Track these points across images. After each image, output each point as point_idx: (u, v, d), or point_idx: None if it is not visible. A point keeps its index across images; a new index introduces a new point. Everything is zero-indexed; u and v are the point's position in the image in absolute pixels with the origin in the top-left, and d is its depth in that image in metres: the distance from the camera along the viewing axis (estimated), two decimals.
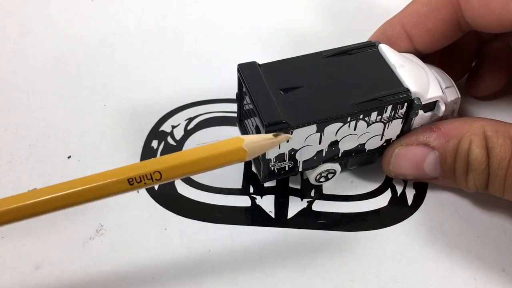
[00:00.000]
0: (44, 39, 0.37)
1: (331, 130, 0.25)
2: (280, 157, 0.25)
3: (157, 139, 0.31)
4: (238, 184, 0.29)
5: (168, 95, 0.34)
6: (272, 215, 0.28)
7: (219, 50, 0.37)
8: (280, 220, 0.28)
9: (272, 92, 0.25)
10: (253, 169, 0.29)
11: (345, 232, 0.28)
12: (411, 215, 0.29)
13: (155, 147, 0.31)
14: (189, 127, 0.32)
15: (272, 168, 0.26)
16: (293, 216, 0.28)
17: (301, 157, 0.26)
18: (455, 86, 0.28)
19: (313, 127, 0.24)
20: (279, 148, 0.25)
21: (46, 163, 0.30)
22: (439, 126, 0.26)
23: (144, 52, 0.37)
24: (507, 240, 0.28)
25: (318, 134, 0.25)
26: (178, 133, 0.32)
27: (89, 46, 0.37)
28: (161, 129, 0.32)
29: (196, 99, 0.34)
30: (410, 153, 0.27)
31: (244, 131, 0.28)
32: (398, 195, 0.29)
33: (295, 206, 0.29)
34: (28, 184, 0.29)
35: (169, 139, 0.32)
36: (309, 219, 0.28)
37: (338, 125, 0.25)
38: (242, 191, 0.29)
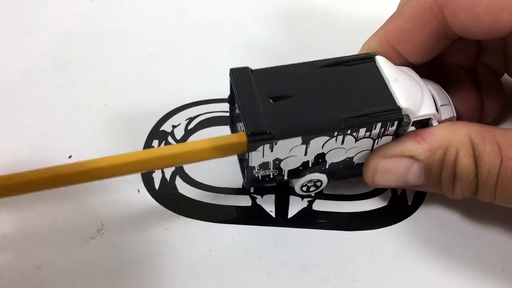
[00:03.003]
0: (44, 39, 0.37)
1: (317, 143, 0.24)
2: (264, 165, 0.25)
3: (158, 139, 0.32)
4: (238, 183, 0.29)
5: (168, 95, 0.34)
6: (273, 214, 0.28)
7: (219, 50, 0.37)
8: (281, 219, 0.28)
9: (261, 100, 0.24)
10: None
11: (345, 232, 0.28)
12: (411, 214, 0.29)
13: (155, 147, 0.31)
14: (189, 127, 0.32)
15: (256, 175, 0.26)
16: (293, 216, 0.28)
17: (286, 166, 0.25)
18: (452, 105, 0.27)
19: (298, 139, 0.24)
20: (263, 156, 0.24)
21: (46, 163, 0.30)
22: (423, 136, 0.25)
23: (144, 52, 0.37)
24: (507, 239, 0.28)
25: (304, 146, 0.24)
26: (179, 133, 0.32)
27: (89, 46, 0.37)
28: (161, 129, 0.32)
29: (196, 99, 0.34)
30: (394, 166, 0.26)
31: (235, 131, 0.28)
32: (398, 194, 0.29)
33: (295, 205, 0.29)
34: None
35: (170, 139, 0.32)
36: (309, 219, 0.28)
37: (324, 138, 0.24)
38: (243, 191, 0.29)
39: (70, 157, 0.30)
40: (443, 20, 0.25)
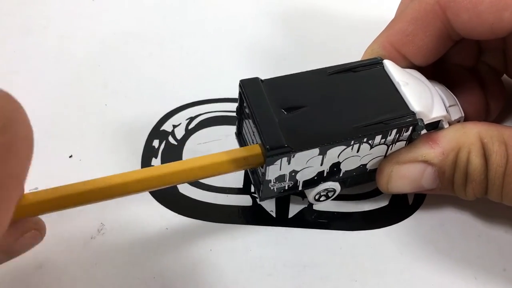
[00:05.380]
0: (44, 39, 0.37)
1: (333, 153, 0.24)
2: (280, 178, 0.25)
3: (158, 139, 0.31)
4: (239, 183, 0.29)
5: (168, 94, 0.34)
6: (273, 214, 0.28)
7: (219, 50, 0.37)
8: (281, 219, 0.28)
9: (275, 111, 0.24)
10: (252, 187, 0.29)
11: (346, 232, 0.28)
12: (411, 214, 0.29)
13: (156, 147, 0.31)
14: (190, 127, 0.32)
15: (272, 188, 0.25)
16: (294, 216, 0.28)
17: (301, 177, 0.25)
18: (459, 105, 0.28)
19: (316, 150, 0.24)
20: (280, 170, 0.24)
21: (47, 163, 0.30)
22: (435, 140, 0.25)
23: (144, 52, 0.37)
24: (508, 239, 0.28)
25: (320, 156, 0.24)
26: (179, 133, 0.32)
27: (89, 46, 0.37)
28: (162, 128, 0.32)
29: (196, 99, 0.34)
30: (408, 172, 0.26)
31: (243, 144, 0.27)
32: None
33: (296, 205, 0.29)
34: (29, 184, 0.29)
35: (170, 139, 0.32)
36: (310, 219, 0.28)
37: (341, 148, 0.24)
38: (243, 191, 0.29)
39: (70, 156, 0.30)
40: (446, 21, 0.25)
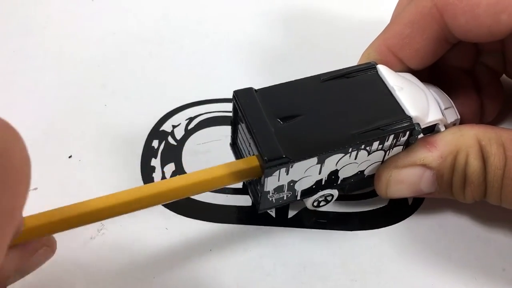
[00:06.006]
0: (44, 39, 0.37)
1: (331, 161, 0.24)
2: (279, 189, 0.24)
3: (158, 139, 0.32)
4: (238, 183, 0.29)
5: (168, 95, 0.34)
6: (273, 214, 0.28)
7: (219, 50, 0.37)
8: (281, 219, 0.28)
9: (270, 121, 0.24)
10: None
11: (345, 232, 0.28)
12: (411, 214, 0.29)
13: (155, 147, 0.31)
14: (189, 127, 0.32)
15: (270, 199, 0.25)
16: (293, 216, 0.28)
17: (300, 186, 0.25)
18: (455, 107, 0.27)
19: (314, 160, 0.23)
20: (278, 180, 0.24)
21: (47, 163, 0.30)
22: (433, 144, 0.25)
23: (144, 52, 0.37)
24: (508, 239, 0.28)
25: (319, 165, 0.24)
26: (179, 133, 0.32)
27: (89, 46, 0.37)
28: (161, 128, 0.32)
29: (196, 99, 0.34)
30: (406, 176, 0.26)
31: (239, 154, 0.27)
32: None
33: (295, 205, 0.29)
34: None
35: (170, 139, 0.32)
36: (309, 219, 0.28)
37: (339, 156, 0.24)
38: (243, 191, 0.29)
39: (70, 157, 0.30)
40: (443, 24, 0.25)
